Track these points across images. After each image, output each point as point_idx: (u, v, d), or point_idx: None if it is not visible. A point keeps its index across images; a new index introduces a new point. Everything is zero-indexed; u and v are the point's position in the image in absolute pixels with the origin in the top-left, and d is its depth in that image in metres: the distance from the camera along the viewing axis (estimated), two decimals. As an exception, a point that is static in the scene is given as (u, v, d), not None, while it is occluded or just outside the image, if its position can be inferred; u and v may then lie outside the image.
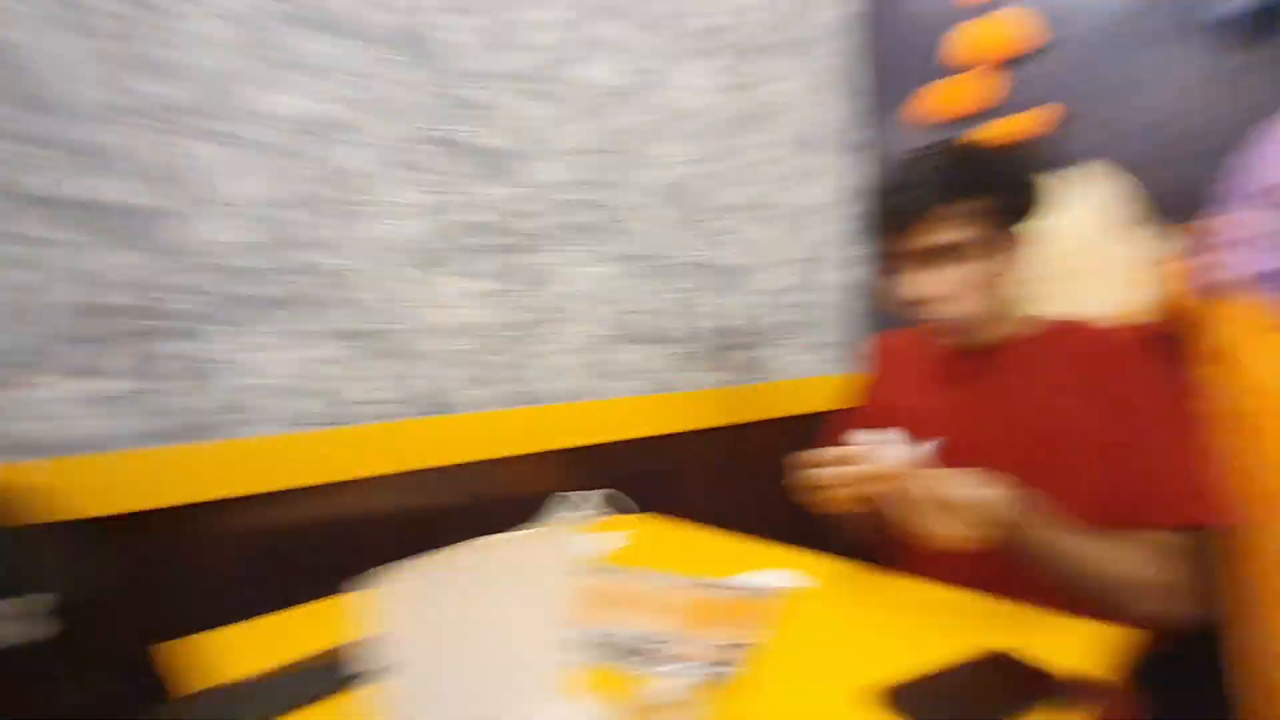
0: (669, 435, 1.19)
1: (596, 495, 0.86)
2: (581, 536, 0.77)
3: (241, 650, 0.65)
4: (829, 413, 1.01)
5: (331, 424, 0.88)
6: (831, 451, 0.67)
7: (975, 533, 0.60)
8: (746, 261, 1.35)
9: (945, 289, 0.73)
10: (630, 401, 1.15)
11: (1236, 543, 0.90)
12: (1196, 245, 0.97)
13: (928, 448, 0.64)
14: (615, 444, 1.11)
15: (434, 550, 0.47)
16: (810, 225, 1.49)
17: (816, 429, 0.96)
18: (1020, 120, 1.20)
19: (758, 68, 1.37)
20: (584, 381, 1.09)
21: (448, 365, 0.95)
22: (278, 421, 0.85)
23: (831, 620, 0.66)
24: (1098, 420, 0.72)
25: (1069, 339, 0.77)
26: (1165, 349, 0.75)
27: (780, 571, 0.75)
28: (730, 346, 1.30)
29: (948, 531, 0.61)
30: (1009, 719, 0.47)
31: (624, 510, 1.01)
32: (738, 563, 0.80)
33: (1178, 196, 1.03)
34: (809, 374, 1.48)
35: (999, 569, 0.67)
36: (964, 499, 0.61)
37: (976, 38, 1.25)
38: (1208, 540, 0.71)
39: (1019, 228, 0.75)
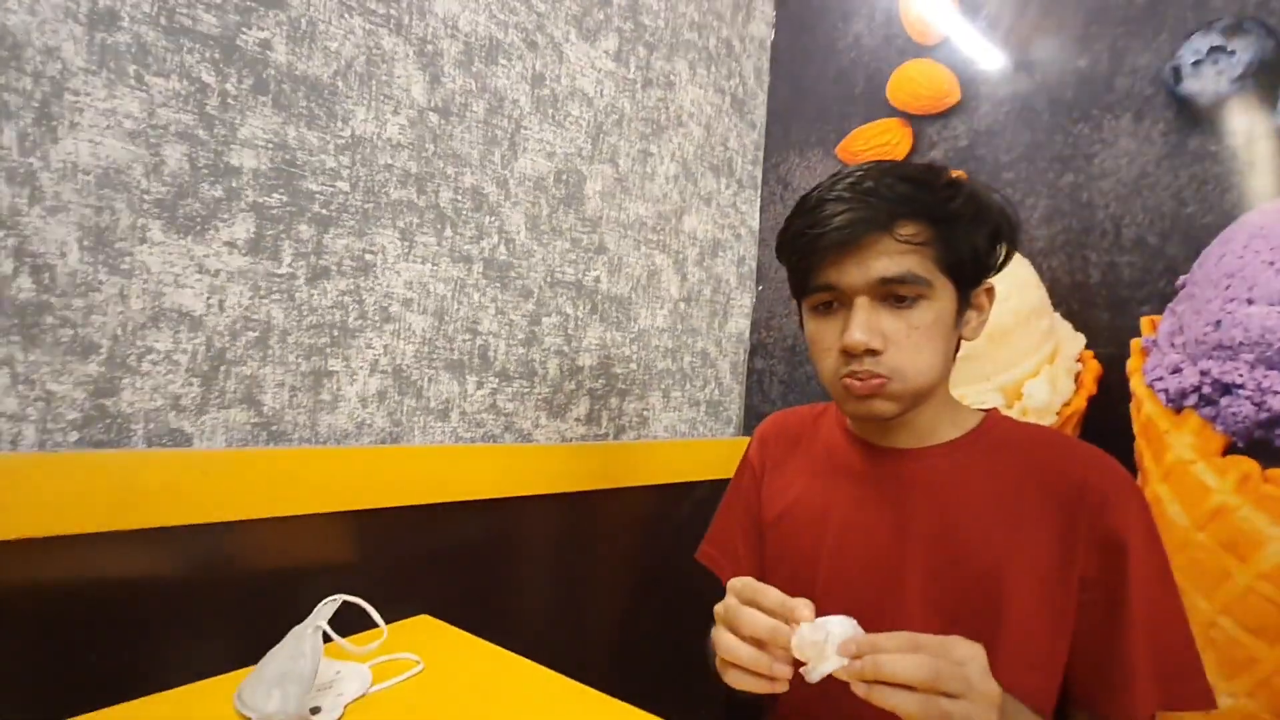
0: (495, 500, 0.89)
1: (327, 606, 0.58)
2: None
3: None
4: (704, 484, 0.99)
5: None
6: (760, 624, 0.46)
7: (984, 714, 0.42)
8: (624, 291, 1.08)
9: (889, 336, 0.55)
10: (448, 451, 0.85)
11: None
12: (1136, 346, 0.86)
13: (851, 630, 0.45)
14: (420, 508, 0.82)
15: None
16: (704, 260, 1.24)
17: (688, 501, 0.96)
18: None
19: (669, 67, 1.14)
20: (383, 419, 0.80)
21: (166, 374, 0.64)
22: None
23: None
24: (1073, 568, 0.55)
25: (1026, 449, 0.60)
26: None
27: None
28: (590, 392, 1.04)
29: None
30: None
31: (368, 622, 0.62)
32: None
33: (1100, 288, 0.90)
34: (686, 435, 1.22)
35: None
36: (968, 678, 0.42)
37: (906, 81, 1.13)
38: None
39: (971, 281, 0.58)
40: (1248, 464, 0.77)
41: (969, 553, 0.57)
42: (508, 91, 0.91)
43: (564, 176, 0.99)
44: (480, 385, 0.91)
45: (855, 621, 0.45)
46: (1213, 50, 0.81)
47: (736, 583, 0.49)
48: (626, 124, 1.08)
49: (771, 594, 0.47)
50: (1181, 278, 0.84)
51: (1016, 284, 0.96)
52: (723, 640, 0.47)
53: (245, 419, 0.70)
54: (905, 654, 0.42)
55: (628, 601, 1.11)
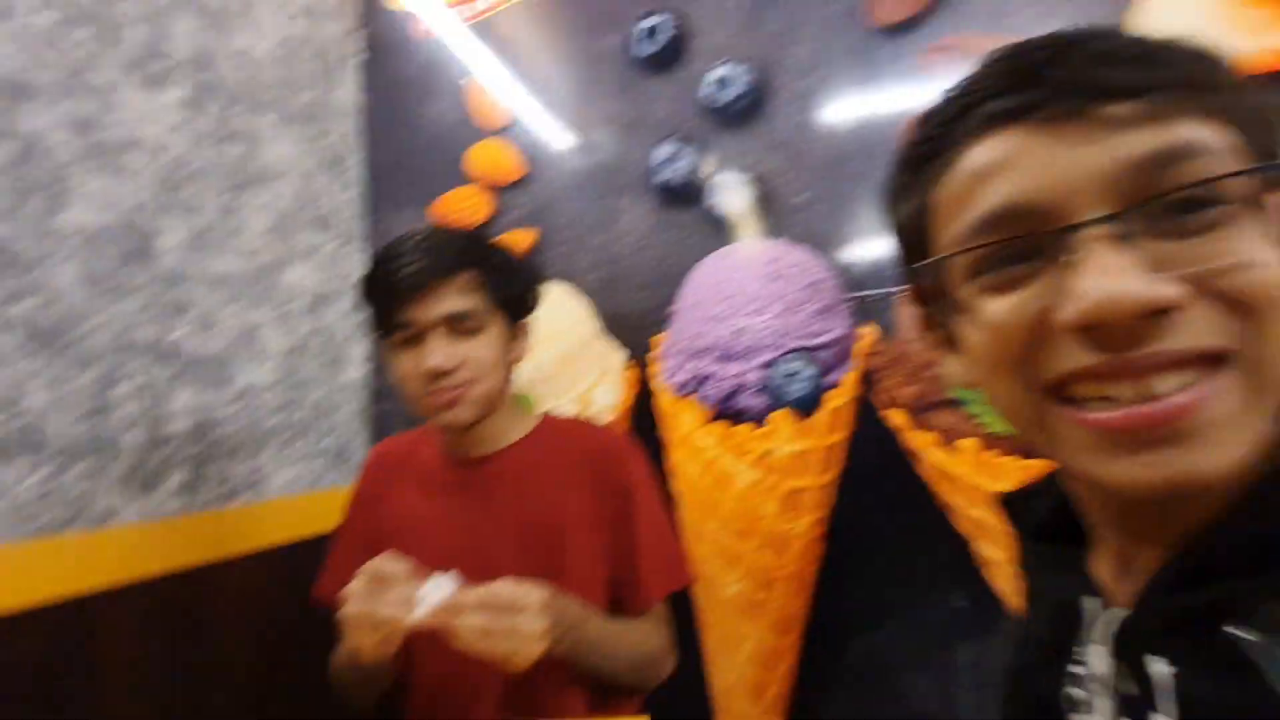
0: (72, 600, 0.79)
1: None
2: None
3: None
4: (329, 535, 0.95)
5: None
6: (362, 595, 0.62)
7: (533, 646, 0.60)
8: (214, 348, 1.04)
9: (461, 358, 0.72)
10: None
11: (694, 597, 1.12)
12: (652, 357, 1.18)
13: (451, 583, 0.62)
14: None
15: None
16: (304, 313, 1.26)
17: (320, 554, 0.87)
18: (507, 238, 1.27)
19: (253, 124, 1.17)
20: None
21: None
22: None
23: None
24: (603, 513, 0.77)
25: (567, 436, 0.81)
26: (641, 443, 0.85)
27: None
28: (186, 460, 0.97)
29: (505, 651, 0.59)
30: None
31: None
32: None
33: (630, 317, 1.25)
34: (311, 488, 1.22)
35: (526, 689, 0.68)
36: (517, 623, 0.59)
37: (480, 157, 1.36)
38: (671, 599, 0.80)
39: (515, 316, 0.78)
40: (721, 426, 1.16)
41: (542, 523, 0.78)
42: (41, 138, 0.82)
43: (129, 229, 0.92)
44: (33, 470, 0.78)
45: (455, 576, 0.61)
46: (669, 158, 1.22)
47: (356, 583, 0.62)
48: (206, 177, 1.05)
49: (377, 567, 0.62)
50: (673, 307, 1.22)
51: (578, 318, 1.24)
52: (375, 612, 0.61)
53: None
54: (467, 619, 0.60)
55: (268, 672, 1.04)
